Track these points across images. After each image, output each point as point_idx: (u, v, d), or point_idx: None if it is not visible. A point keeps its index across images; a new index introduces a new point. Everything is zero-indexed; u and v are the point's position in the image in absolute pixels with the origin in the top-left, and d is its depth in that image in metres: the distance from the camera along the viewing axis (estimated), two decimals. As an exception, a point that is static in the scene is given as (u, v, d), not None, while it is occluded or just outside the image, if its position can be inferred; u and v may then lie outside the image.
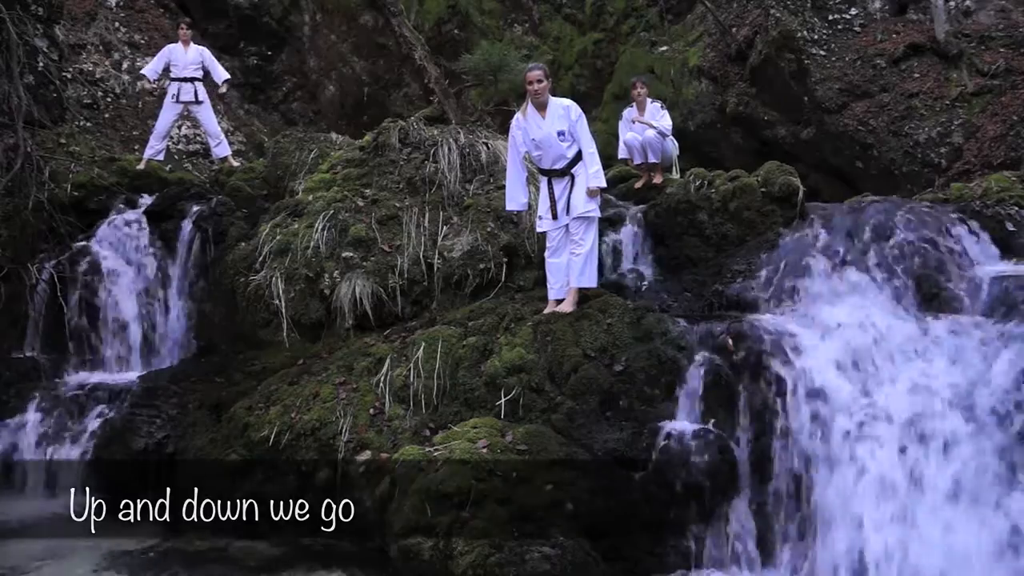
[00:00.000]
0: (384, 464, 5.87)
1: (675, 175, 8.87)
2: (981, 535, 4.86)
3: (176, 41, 10.73)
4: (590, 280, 6.60)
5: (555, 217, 6.61)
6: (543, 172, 6.67)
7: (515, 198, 6.84)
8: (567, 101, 6.65)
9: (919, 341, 5.75)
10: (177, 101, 10.38)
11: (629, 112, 9.04)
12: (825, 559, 5.18)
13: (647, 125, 8.62)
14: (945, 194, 7.70)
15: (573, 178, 6.54)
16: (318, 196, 8.00)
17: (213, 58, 10.71)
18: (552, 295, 6.71)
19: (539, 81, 6.45)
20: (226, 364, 7.65)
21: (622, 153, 9.10)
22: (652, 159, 8.71)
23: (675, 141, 9.01)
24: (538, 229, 6.87)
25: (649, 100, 8.87)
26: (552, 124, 6.49)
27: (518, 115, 6.68)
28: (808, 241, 6.77)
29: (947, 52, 11.81)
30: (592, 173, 6.48)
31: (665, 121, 8.74)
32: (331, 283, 7.31)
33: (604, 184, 6.60)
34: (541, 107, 6.53)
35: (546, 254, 6.79)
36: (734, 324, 6.08)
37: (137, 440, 7.11)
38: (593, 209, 6.56)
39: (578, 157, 6.55)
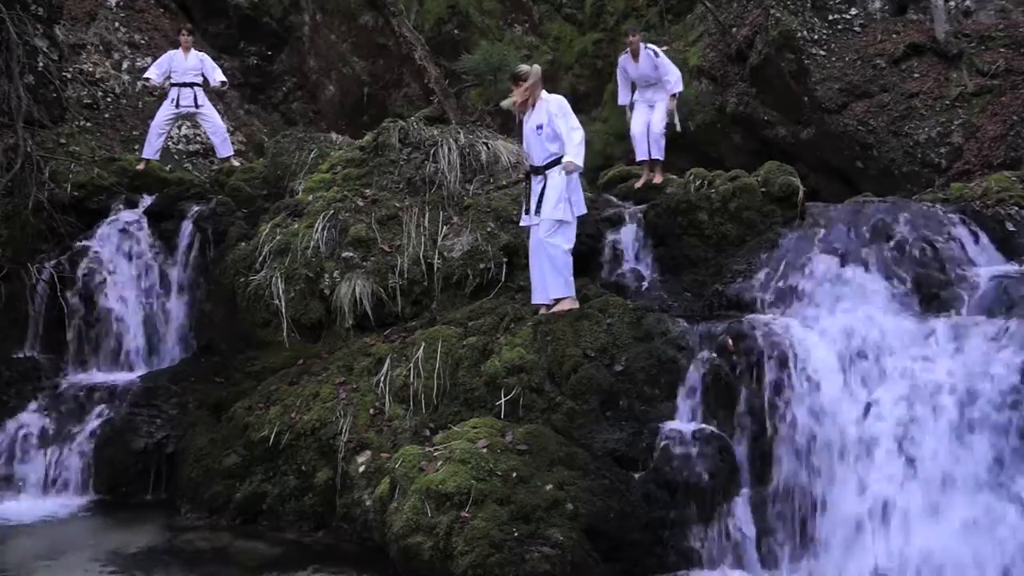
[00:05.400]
0: (384, 464, 5.87)
1: (676, 123, 8.98)
2: (981, 533, 4.86)
3: (177, 43, 10.76)
4: (557, 290, 6.49)
5: (527, 212, 6.60)
6: (529, 169, 6.69)
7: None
8: (553, 97, 6.59)
9: (919, 341, 5.75)
10: (177, 107, 10.37)
11: (624, 59, 9.09)
12: (825, 559, 5.18)
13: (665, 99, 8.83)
14: (945, 194, 7.70)
15: (547, 179, 6.49)
16: (318, 196, 8.00)
17: (212, 63, 10.72)
18: (533, 299, 6.64)
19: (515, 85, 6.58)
20: (226, 364, 7.65)
21: (623, 99, 9.24)
22: (656, 155, 8.81)
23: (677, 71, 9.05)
24: (520, 222, 6.86)
25: (643, 46, 8.96)
26: (534, 119, 6.53)
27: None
28: (808, 241, 6.77)
29: (947, 52, 11.80)
30: (572, 151, 6.33)
31: (662, 65, 8.88)
32: (331, 283, 7.31)
33: (580, 165, 6.37)
34: (531, 105, 6.58)
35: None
36: (734, 324, 6.07)
37: (137, 440, 7.11)
38: (561, 214, 6.42)
39: (555, 161, 6.46)
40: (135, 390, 7.62)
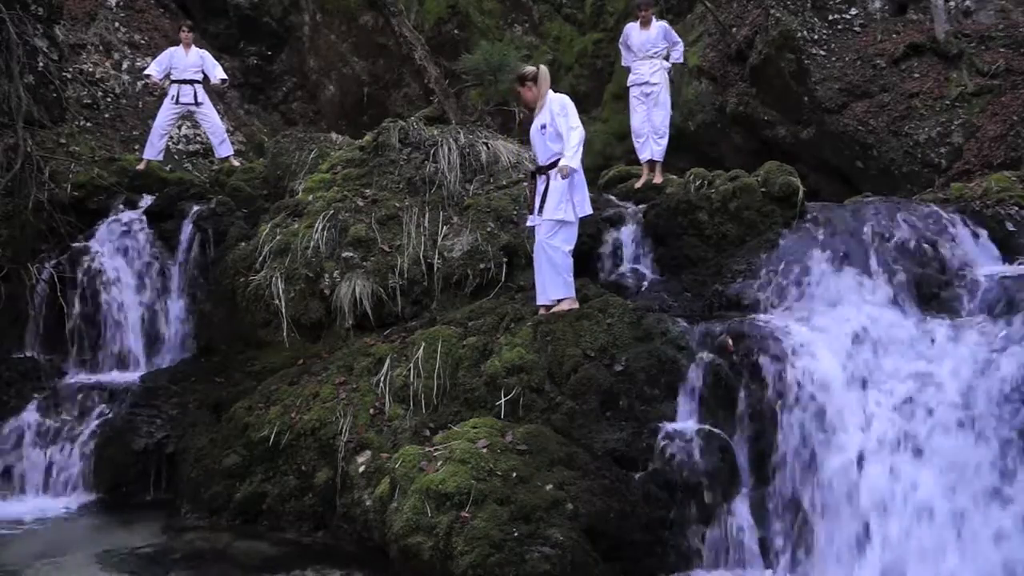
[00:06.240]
0: (384, 464, 5.87)
1: (669, 64, 9.23)
2: (981, 533, 4.86)
3: (177, 42, 10.78)
4: (556, 291, 6.47)
5: (530, 212, 6.62)
6: (535, 168, 6.71)
7: None
8: (557, 96, 6.56)
9: (919, 341, 5.75)
10: (177, 103, 10.40)
11: (631, 27, 9.14)
12: (825, 559, 5.18)
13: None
14: (945, 194, 7.70)
15: (549, 179, 6.45)
16: (318, 196, 8.00)
17: (213, 60, 10.75)
18: (537, 299, 6.62)
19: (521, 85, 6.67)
20: (226, 364, 7.66)
21: (626, 61, 9.28)
22: (656, 156, 8.82)
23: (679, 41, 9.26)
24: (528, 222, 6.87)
25: (655, 19, 9.11)
26: (539, 119, 6.53)
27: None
28: (808, 241, 6.77)
29: (947, 52, 11.79)
30: (568, 153, 6.28)
31: (673, 35, 9.17)
32: (331, 283, 7.31)
33: (575, 166, 6.29)
34: (539, 106, 6.58)
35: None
36: (734, 324, 6.07)
37: (137, 440, 7.12)
38: (562, 214, 6.39)
39: (558, 162, 6.41)
40: (135, 390, 7.63)
